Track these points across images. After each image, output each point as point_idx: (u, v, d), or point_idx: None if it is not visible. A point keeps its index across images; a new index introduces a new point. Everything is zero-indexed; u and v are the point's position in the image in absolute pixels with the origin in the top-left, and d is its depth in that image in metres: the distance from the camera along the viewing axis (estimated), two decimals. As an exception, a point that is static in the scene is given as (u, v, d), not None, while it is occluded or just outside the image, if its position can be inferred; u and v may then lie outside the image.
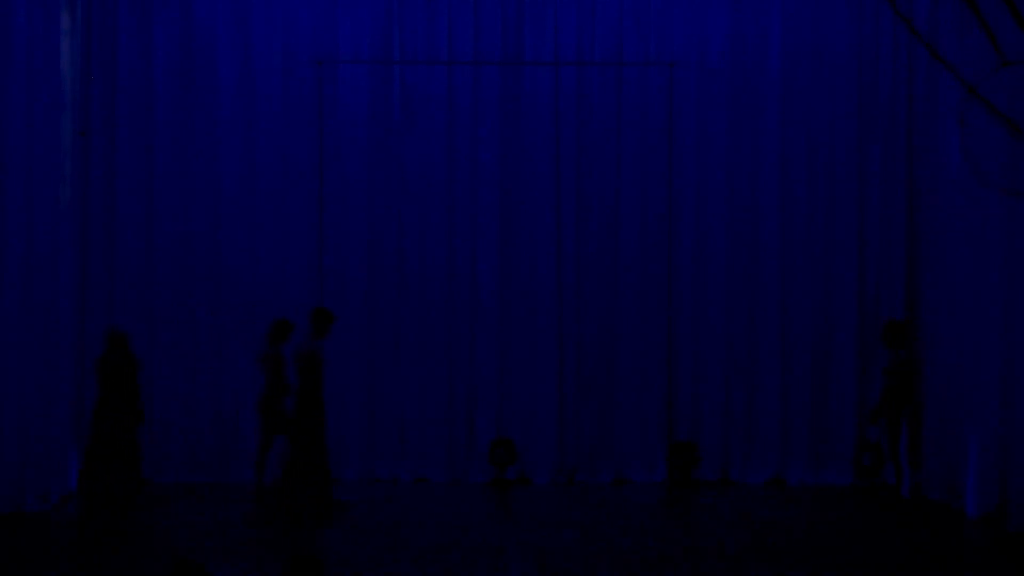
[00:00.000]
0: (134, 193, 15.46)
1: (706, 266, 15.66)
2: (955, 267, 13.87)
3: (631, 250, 15.63)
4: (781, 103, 15.61)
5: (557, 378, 15.60)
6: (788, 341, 15.59)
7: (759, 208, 15.66)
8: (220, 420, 15.44)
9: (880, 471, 15.13)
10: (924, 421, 14.68)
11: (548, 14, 15.62)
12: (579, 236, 15.67)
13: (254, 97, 15.53)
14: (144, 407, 14.22)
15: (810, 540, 12.31)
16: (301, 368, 13.58)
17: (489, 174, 15.65)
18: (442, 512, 13.55)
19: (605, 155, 15.67)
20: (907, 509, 13.76)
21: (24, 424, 13.23)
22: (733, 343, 15.63)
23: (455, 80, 15.68)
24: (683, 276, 15.57)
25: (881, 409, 14.13)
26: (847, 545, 12.07)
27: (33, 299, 13.35)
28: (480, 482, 15.23)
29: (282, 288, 15.47)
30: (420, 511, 13.59)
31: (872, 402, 14.97)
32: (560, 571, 10.86)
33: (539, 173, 15.64)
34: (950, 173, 13.99)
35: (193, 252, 15.47)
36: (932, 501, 14.25)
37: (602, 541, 12.06)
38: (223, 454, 15.42)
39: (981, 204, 13.25)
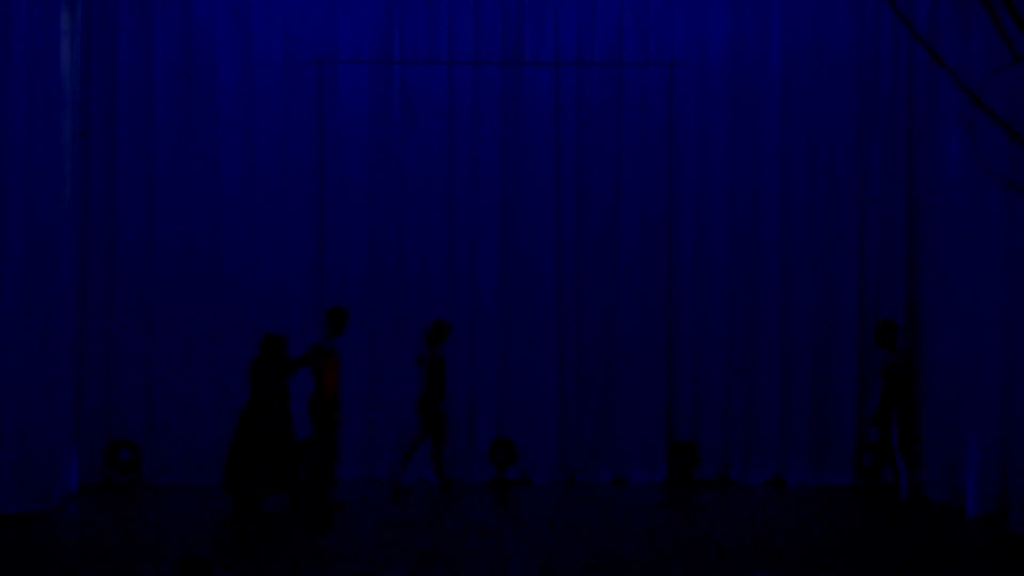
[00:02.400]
0: (134, 193, 15.46)
1: (706, 266, 15.67)
2: (955, 267, 13.86)
3: (631, 250, 15.63)
4: (781, 103, 15.61)
5: (557, 378, 15.60)
6: (788, 341, 15.59)
7: (759, 208, 15.66)
8: (220, 420, 15.44)
9: (880, 471, 15.14)
10: (924, 421, 14.68)
11: (548, 14, 15.62)
12: (579, 236, 15.68)
13: (254, 97, 15.53)
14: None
15: (810, 540, 12.30)
16: (317, 367, 13.62)
17: (489, 174, 15.66)
18: (442, 512, 13.55)
19: (605, 155, 15.67)
20: (907, 509, 13.75)
21: (24, 424, 13.22)
22: (733, 343, 15.64)
23: (455, 80, 15.68)
24: (683, 276, 15.57)
25: (882, 411, 14.10)
26: (847, 545, 12.07)
27: (33, 299, 13.34)
28: (480, 482, 15.23)
29: (282, 288, 15.49)
30: (420, 511, 13.58)
31: (872, 403, 14.97)
32: (560, 571, 10.86)
33: (539, 173, 15.65)
34: (950, 173, 13.99)
35: (193, 252, 15.48)
36: (932, 501, 14.25)
37: (602, 541, 12.05)
38: (223, 453, 15.41)
39: (981, 204, 13.25)
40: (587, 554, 11.48)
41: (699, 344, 15.65)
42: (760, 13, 15.62)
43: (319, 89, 15.10)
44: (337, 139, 15.51)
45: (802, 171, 15.62)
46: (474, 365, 15.52)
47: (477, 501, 14.22)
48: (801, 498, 14.69)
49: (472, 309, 15.58)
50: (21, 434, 13.20)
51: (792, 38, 15.60)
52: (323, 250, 15.24)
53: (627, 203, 15.66)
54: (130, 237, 15.44)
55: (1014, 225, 12.73)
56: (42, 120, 13.52)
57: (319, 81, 15.10)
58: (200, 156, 15.49)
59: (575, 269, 15.67)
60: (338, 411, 13.76)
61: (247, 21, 15.51)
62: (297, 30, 15.54)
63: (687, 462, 15.40)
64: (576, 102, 15.66)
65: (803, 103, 15.60)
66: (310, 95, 15.37)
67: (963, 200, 13.64)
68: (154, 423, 15.41)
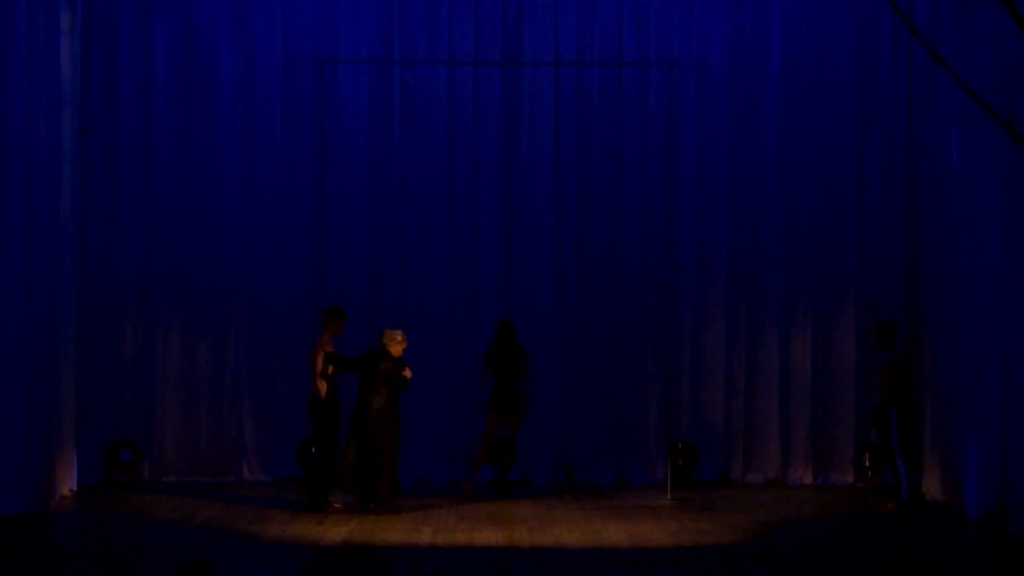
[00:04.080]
0: (134, 193, 15.47)
1: (706, 265, 15.68)
2: (955, 267, 13.86)
3: (631, 249, 15.65)
4: (781, 103, 15.62)
5: (557, 377, 15.60)
6: (788, 341, 15.59)
7: (759, 207, 15.67)
8: (220, 420, 15.47)
9: (880, 471, 15.14)
10: (924, 421, 14.68)
11: (548, 14, 15.62)
12: (579, 236, 15.68)
13: (254, 97, 15.54)
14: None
15: (810, 540, 12.30)
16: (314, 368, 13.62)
17: (489, 174, 15.67)
18: (442, 512, 13.53)
19: (605, 155, 15.68)
20: (907, 509, 13.75)
21: (25, 424, 13.21)
22: (733, 343, 15.64)
23: (455, 80, 15.68)
24: (683, 275, 15.57)
25: (881, 411, 14.06)
26: (847, 545, 12.06)
27: (33, 299, 13.34)
28: (480, 482, 15.21)
29: (282, 287, 15.51)
30: (420, 511, 13.56)
31: (872, 403, 14.93)
32: (560, 572, 10.86)
33: (539, 173, 15.66)
34: (950, 172, 13.99)
35: (193, 252, 15.49)
36: (932, 501, 14.25)
37: (603, 541, 12.05)
38: (223, 453, 15.45)
39: (981, 203, 13.24)
40: (587, 554, 11.47)
41: (699, 344, 15.66)
42: (760, 13, 15.62)
43: (319, 89, 15.08)
44: (337, 139, 15.51)
45: (802, 170, 15.63)
46: (474, 365, 15.50)
47: (477, 501, 14.19)
48: (801, 498, 14.68)
49: (472, 309, 15.58)
50: (21, 434, 13.20)
51: (792, 38, 15.61)
52: (323, 250, 15.24)
53: (627, 203, 15.67)
54: (130, 237, 15.45)
55: (1014, 224, 12.72)
56: (42, 120, 13.52)
57: (319, 81, 15.08)
58: (200, 156, 15.50)
59: (575, 268, 15.68)
60: (335, 413, 13.71)
61: (247, 21, 15.51)
62: (297, 30, 15.54)
63: (687, 462, 15.40)
64: (576, 102, 15.66)
65: (803, 103, 15.61)
66: (310, 95, 15.35)
67: (963, 199, 13.63)
68: (154, 423, 15.42)
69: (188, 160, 15.51)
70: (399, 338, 13.48)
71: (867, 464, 15.29)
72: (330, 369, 13.40)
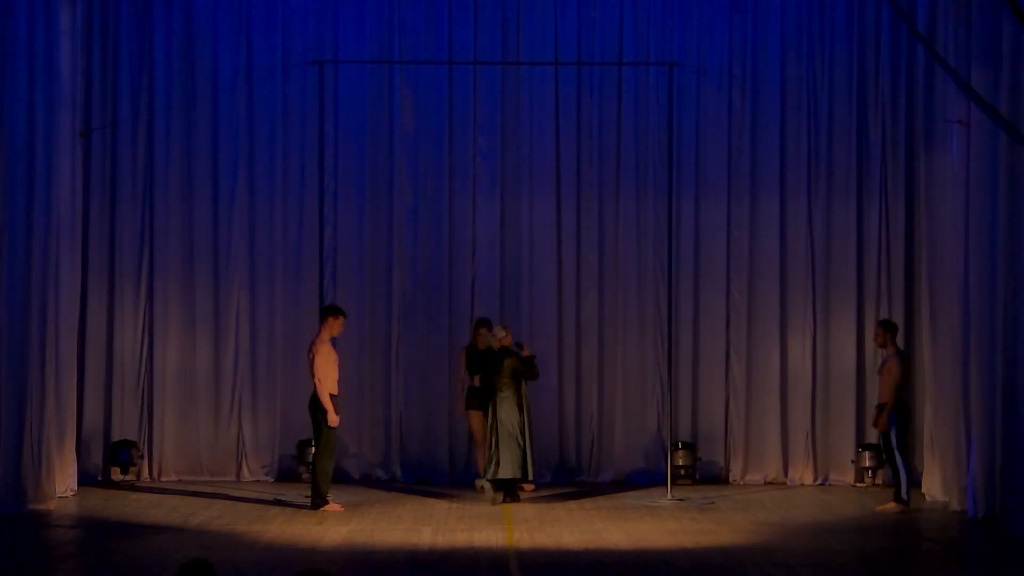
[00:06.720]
0: (134, 193, 15.47)
1: (706, 266, 15.68)
2: (955, 266, 13.85)
3: (631, 249, 15.64)
4: (781, 103, 15.61)
5: (557, 378, 15.59)
6: (788, 341, 15.59)
7: (759, 208, 15.67)
8: (220, 419, 15.47)
9: (880, 471, 15.15)
10: (924, 421, 14.67)
11: (548, 14, 15.62)
12: (579, 236, 15.68)
13: (254, 97, 15.53)
14: None
15: (811, 540, 12.29)
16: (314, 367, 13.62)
17: (489, 174, 15.66)
18: (442, 512, 13.53)
19: (605, 155, 15.68)
20: (907, 509, 13.74)
21: (24, 424, 13.20)
22: (733, 343, 15.64)
23: (455, 80, 15.68)
24: (683, 276, 15.57)
25: (881, 411, 14.07)
26: (847, 545, 12.06)
27: (33, 299, 13.34)
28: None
29: (282, 289, 15.50)
30: (420, 512, 13.56)
31: (872, 403, 14.94)
32: (560, 572, 10.86)
33: (539, 173, 15.66)
34: (950, 171, 13.98)
35: (192, 252, 15.49)
36: (932, 501, 14.25)
37: (603, 541, 12.04)
38: (223, 453, 15.46)
39: (981, 203, 13.23)
40: (587, 554, 11.46)
41: (699, 344, 15.65)
42: (760, 13, 15.62)
43: (319, 89, 15.07)
44: (337, 139, 15.51)
45: (802, 170, 15.63)
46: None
47: (477, 501, 14.19)
48: (801, 498, 14.68)
49: (472, 309, 15.58)
50: (21, 435, 13.20)
51: (792, 38, 15.60)
52: (323, 250, 15.23)
53: (627, 204, 15.66)
54: (130, 237, 15.45)
55: (1014, 224, 12.72)
56: (42, 120, 13.52)
57: (319, 81, 15.07)
58: (200, 156, 15.50)
59: (574, 268, 15.68)
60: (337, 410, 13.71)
61: (247, 21, 15.51)
62: (297, 30, 15.54)
63: (687, 462, 15.39)
64: (576, 102, 15.65)
65: (803, 103, 15.60)
66: (310, 95, 15.35)
67: (963, 199, 13.63)
68: (154, 423, 15.42)
69: (188, 160, 15.50)
70: (502, 333, 14.00)
71: (867, 464, 15.30)
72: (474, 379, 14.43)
